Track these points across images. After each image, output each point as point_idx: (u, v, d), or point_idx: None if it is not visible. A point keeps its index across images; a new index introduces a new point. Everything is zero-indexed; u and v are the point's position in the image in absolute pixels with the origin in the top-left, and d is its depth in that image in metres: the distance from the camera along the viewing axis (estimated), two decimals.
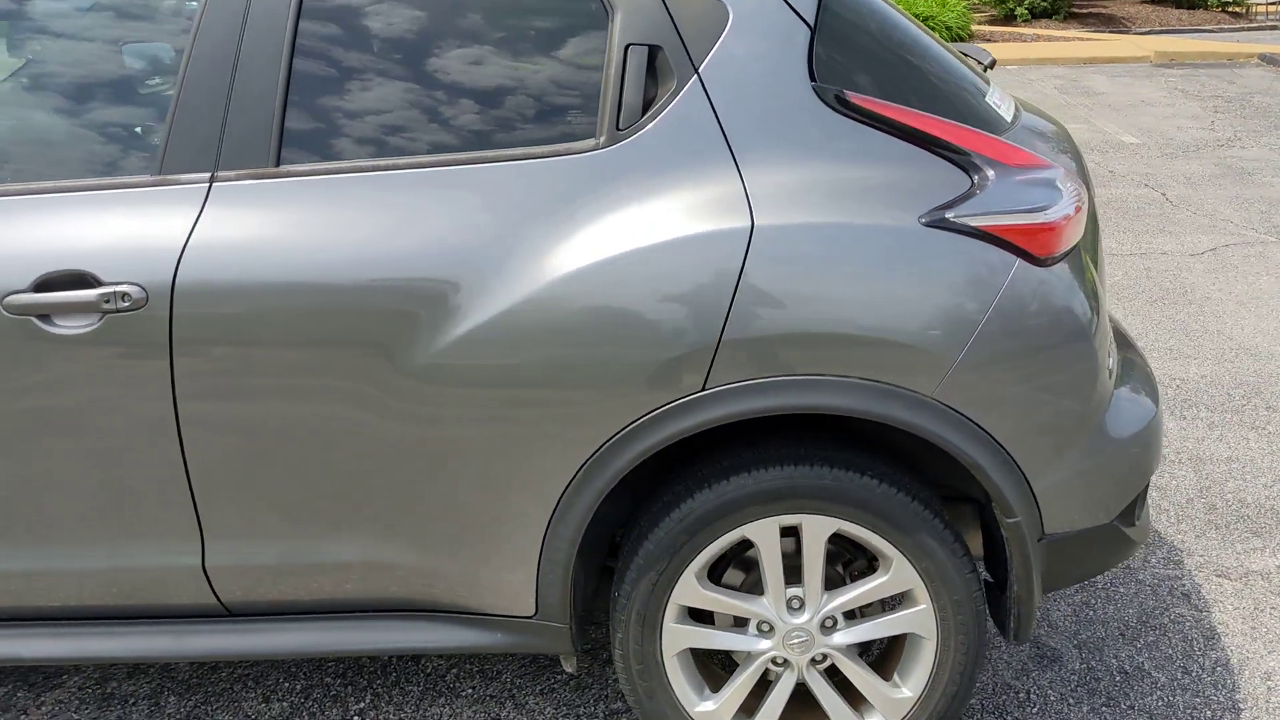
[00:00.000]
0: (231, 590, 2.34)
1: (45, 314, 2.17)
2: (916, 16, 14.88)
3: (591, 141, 2.20)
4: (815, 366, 2.14)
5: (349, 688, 2.84)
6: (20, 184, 2.25)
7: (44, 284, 2.16)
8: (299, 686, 2.86)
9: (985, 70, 2.91)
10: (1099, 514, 2.34)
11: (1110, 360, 2.36)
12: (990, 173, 2.22)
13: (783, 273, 2.12)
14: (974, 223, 2.16)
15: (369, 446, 2.21)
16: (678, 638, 2.34)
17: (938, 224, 2.15)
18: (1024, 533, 2.26)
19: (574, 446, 2.18)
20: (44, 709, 2.80)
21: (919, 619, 2.33)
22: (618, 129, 2.20)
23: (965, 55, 2.92)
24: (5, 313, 2.16)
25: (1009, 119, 2.47)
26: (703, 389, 2.15)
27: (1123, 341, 2.72)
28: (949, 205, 2.16)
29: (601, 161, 2.19)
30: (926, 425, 2.17)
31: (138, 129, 2.29)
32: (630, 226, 2.14)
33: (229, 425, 2.21)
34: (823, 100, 2.21)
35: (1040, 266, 2.19)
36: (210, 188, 2.22)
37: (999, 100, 2.55)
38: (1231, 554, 3.30)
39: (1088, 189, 2.59)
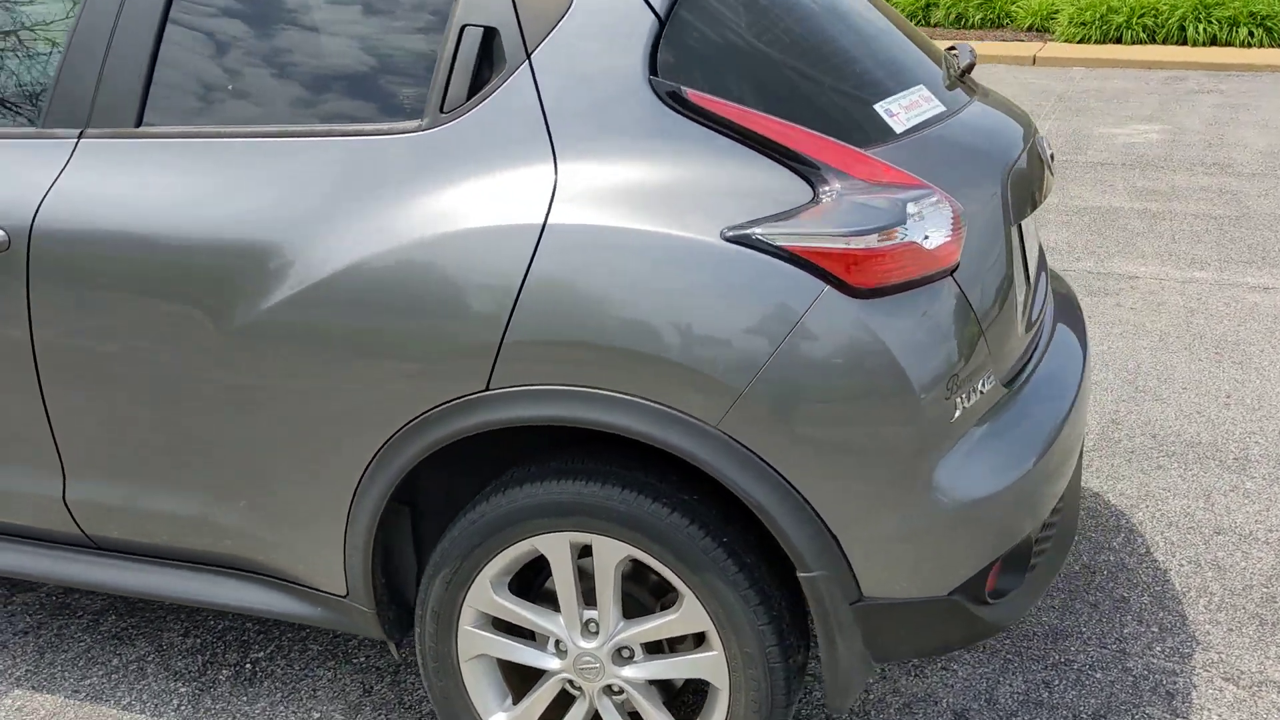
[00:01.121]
0: (90, 524, 2.49)
1: None
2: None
3: (416, 123, 2.15)
4: (595, 379, 2.00)
5: (260, 636, 2.95)
6: None
7: None
8: (220, 626, 2.99)
9: (954, 72, 2.59)
10: (930, 585, 2.05)
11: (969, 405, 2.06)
12: (837, 186, 1.98)
13: (568, 276, 1.99)
14: (780, 241, 1.93)
15: (194, 404, 2.27)
16: (473, 642, 2.26)
17: (741, 239, 1.94)
18: (822, 590, 2.02)
19: (370, 430, 2.15)
20: (12, 607, 3.09)
21: (711, 665, 2.14)
22: (441, 111, 2.13)
23: (940, 53, 2.63)
24: None
25: (906, 128, 2.19)
26: (485, 389, 2.06)
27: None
28: (764, 220, 1.95)
29: (422, 143, 2.13)
30: (706, 457, 1.98)
31: (31, 85, 2.45)
32: (437, 212, 2.08)
33: (77, 365, 2.34)
34: (658, 96, 2.05)
35: (856, 298, 1.94)
36: (78, 143, 2.34)
37: (915, 105, 2.26)
38: (1257, 658, 2.81)
39: (1022, 208, 2.28)
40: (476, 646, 2.27)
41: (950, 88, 2.51)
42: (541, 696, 2.27)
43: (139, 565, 2.50)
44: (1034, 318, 2.43)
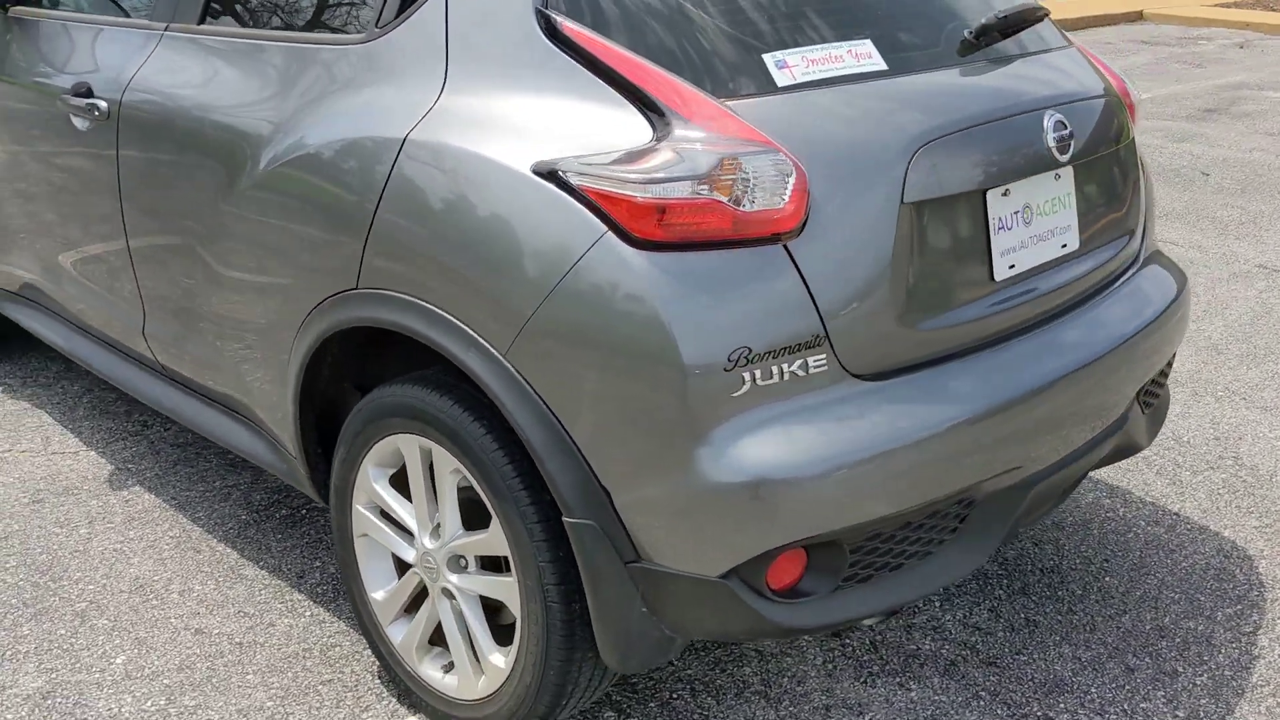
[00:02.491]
0: (160, 355, 2.97)
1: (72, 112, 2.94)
2: None
3: (361, 35, 2.32)
4: (422, 292, 2.10)
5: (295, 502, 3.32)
6: (85, 15, 3.03)
7: (75, 89, 2.91)
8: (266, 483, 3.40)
9: (982, 29, 2.31)
10: (702, 563, 1.94)
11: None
12: (672, 132, 1.91)
13: (410, 191, 2.10)
14: (575, 180, 1.90)
15: (206, 258, 2.64)
16: (361, 521, 2.45)
17: (547, 173, 1.94)
18: (586, 540, 1.98)
19: (295, 306, 2.40)
20: (167, 433, 3.70)
21: (506, 590, 2.17)
22: (376, 26, 2.29)
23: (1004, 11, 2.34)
24: (59, 104, 2.95)
25: (795, 82, 2.02)
26: (355, 287, 2.22)
27: None
28: (579, 157, 1.92)
29: (357, 55, 2.31)
30: (491, 384, 2.02)
31: None
32: (349, 120, 2.27)
33: (145, 217, 2.80)
34: (539, 27, 2.07)
35: (638, 249, 1.86)
36: (162, 35, 2.76)
37: (828, 60, 2.08)
38: None
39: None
40: (362, 526, 2.46)
41: (966, 46, 2.27)
42: (404, 585, 2.42)
43: (184, 395, 2.95)
44: (994, 312, 2.17)
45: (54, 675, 2.58)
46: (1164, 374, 2.71)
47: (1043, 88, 2.32)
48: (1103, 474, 3.43)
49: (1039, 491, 2.27)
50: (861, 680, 2.58)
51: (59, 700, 2.51)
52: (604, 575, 2.00)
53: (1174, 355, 2.77)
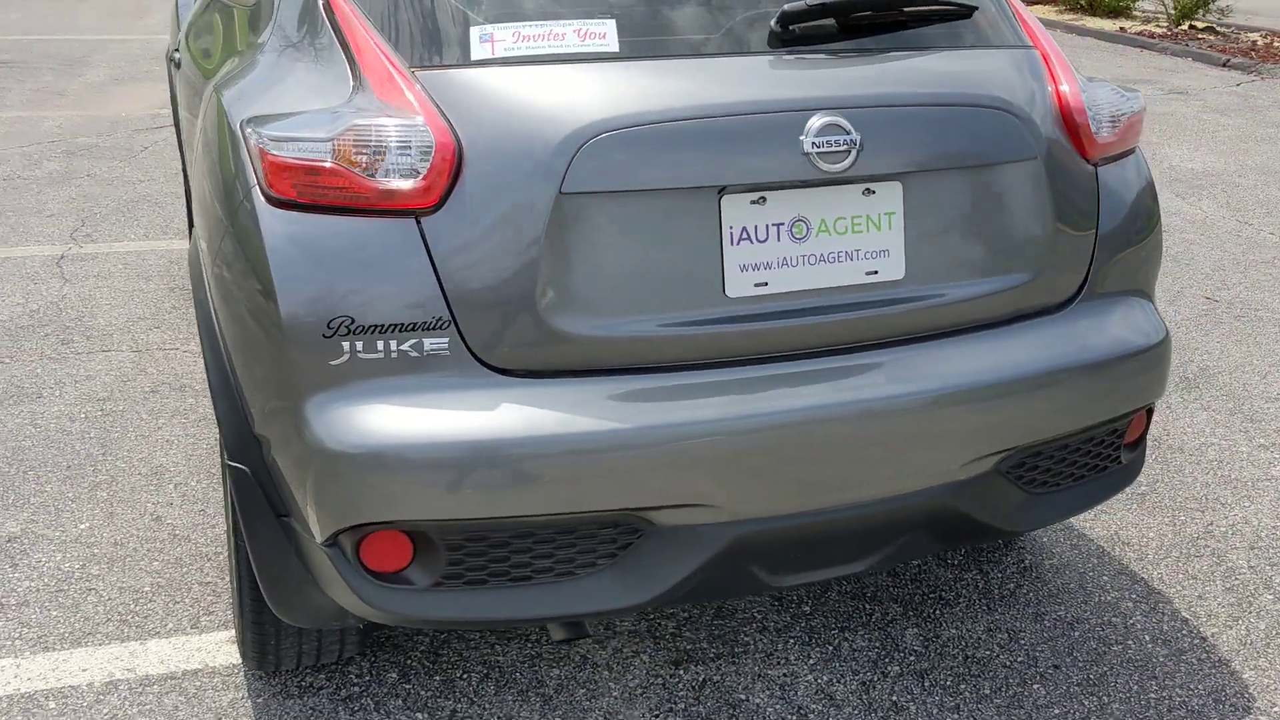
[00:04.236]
0: None
1: None
2: None
3: None
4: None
5: None
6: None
7: None
8: None
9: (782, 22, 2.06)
10: (313, 526, 1.94)
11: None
12: (355, 99, 1.94)
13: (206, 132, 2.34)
14: (252, 139, 1.96)
15: None
16: None
17: (241, 130, 2.01)
18: (237, 481, 2.05)
19: None
20: None
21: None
22: None
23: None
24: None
25: (494, 56, 1.95)
26: None
27: None
28: (268, 117, 1.98)
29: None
30: (199, 300, 2.26)
31: None
32: None
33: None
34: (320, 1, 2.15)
35: (270, 204, 1.90)
36: None
37: (546, 38, 1.97)
38: None
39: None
40: None
41: (775, 37, 2.06)
42: None
43: None
44: (725, 331, 1.96)
45: (29, 526, 3.05)
46: (1068, 447, 2.23)
47: (828, 88, 2.01)
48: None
49: (764, 543, 1.99)
50: (663, 714, 2.39)
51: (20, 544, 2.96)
52: (256, 523, 2.04)
53: (1127, 422, 2.27)
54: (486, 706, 2.40)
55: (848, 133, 1.95)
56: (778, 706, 2.40)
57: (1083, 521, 3.10)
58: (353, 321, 1.84)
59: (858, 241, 2.02)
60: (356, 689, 2.43)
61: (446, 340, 1.86)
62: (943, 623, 2.67)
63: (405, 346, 1.86)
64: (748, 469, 1.93)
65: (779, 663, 2.54)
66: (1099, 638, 2.63)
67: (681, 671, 2.51)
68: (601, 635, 2.61)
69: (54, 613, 2.68)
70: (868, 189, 2.01)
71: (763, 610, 2.71)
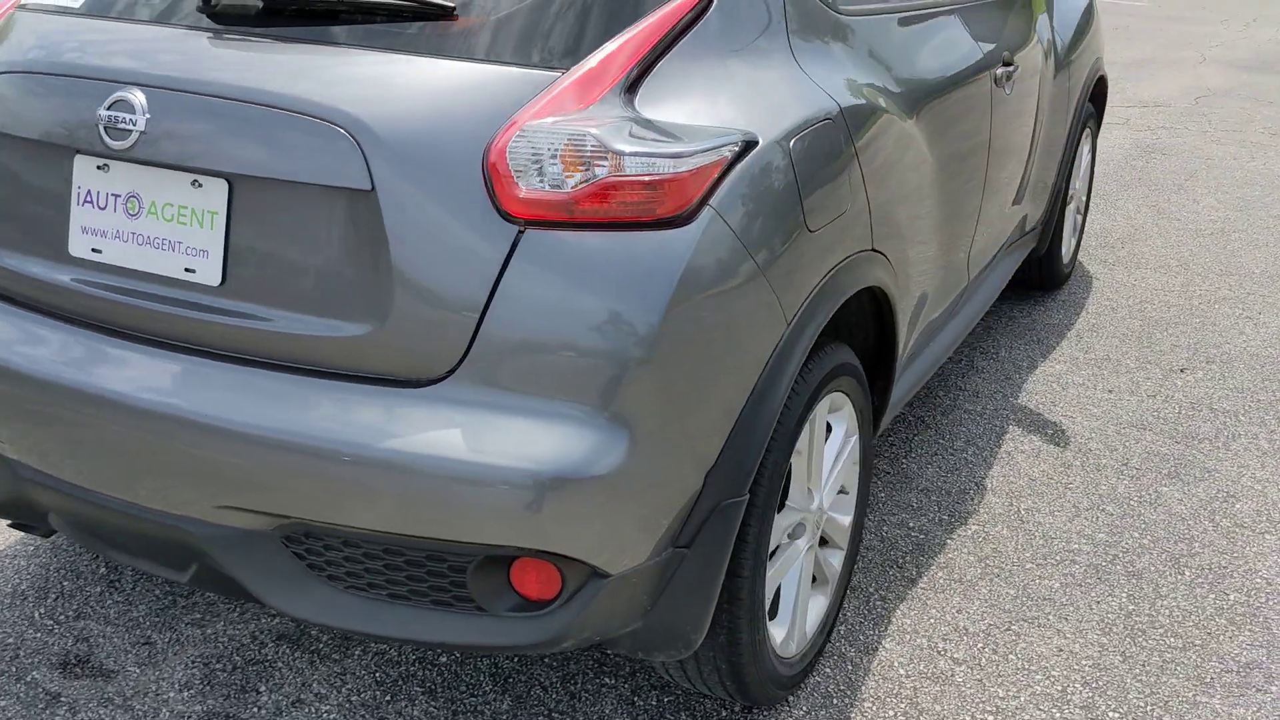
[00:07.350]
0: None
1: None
2: None
3: None
4: None
5: None
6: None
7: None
8: None
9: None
10: None
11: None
12: None
13: None
14: None
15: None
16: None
17: None
18: None
19: None
20: None
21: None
22: None
23: None
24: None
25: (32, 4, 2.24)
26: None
27: None
28: None
29: None
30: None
31: None
32: None
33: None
34: None
35: None
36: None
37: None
38: None
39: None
40: None
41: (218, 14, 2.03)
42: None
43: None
44: (66, 287, 2.06)
45: None
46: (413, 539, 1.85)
47: (153, 66, 1.98)
48: None
49: (55, 502, 2.08)
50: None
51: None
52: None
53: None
54: None
55: (134, 112, 1.92)
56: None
57: None
58: None
59: (181, 233, 1.95)
60: None
61: None
62: None
63: None
64: (27, 418, 2.02)
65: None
66: None
67: None
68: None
69: None
70: (196, 181, 1.93)
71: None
